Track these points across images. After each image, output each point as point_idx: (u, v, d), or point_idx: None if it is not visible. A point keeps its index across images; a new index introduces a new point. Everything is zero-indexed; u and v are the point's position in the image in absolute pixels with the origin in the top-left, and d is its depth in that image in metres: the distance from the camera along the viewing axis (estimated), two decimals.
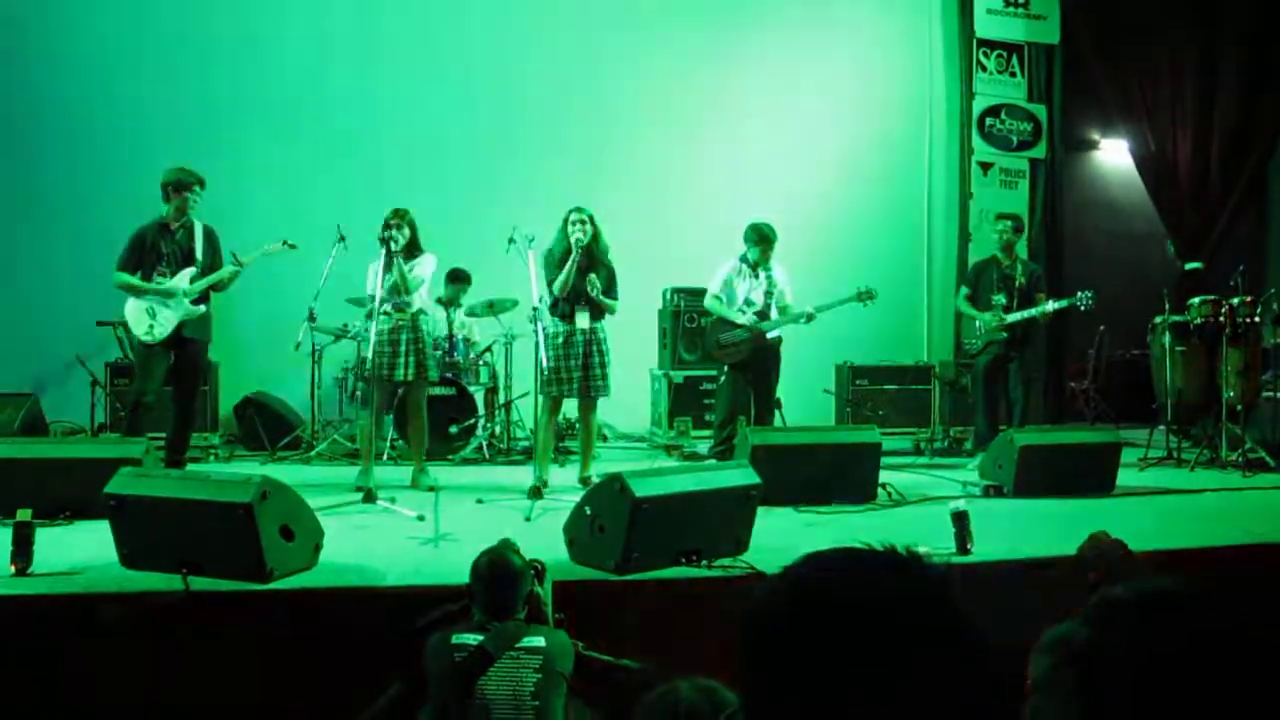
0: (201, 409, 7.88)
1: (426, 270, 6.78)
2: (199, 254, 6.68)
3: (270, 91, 9.28)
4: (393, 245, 6.42)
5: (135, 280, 6.56)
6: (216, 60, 9.21)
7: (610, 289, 6.72)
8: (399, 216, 6.59)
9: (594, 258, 6.64)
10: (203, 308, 6.70)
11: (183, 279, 6.61)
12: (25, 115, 9.01)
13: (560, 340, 6.62)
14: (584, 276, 6.59)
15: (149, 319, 6.52)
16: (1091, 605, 1.27)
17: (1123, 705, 1.17)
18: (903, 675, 1.09)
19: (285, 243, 6.92)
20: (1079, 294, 7.85)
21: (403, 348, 6.60)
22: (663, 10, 10.02)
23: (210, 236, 6.79)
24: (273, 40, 9.30)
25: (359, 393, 8.15)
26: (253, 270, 6.99)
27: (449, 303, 8.76)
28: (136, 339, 6.62)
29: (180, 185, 6.60)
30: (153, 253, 6.60)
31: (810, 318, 7.46)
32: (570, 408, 7.29)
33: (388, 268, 6.40)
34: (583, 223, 6.60)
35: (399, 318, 6.59)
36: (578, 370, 6.61)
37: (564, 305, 6.65)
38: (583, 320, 6.62)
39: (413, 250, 6.65)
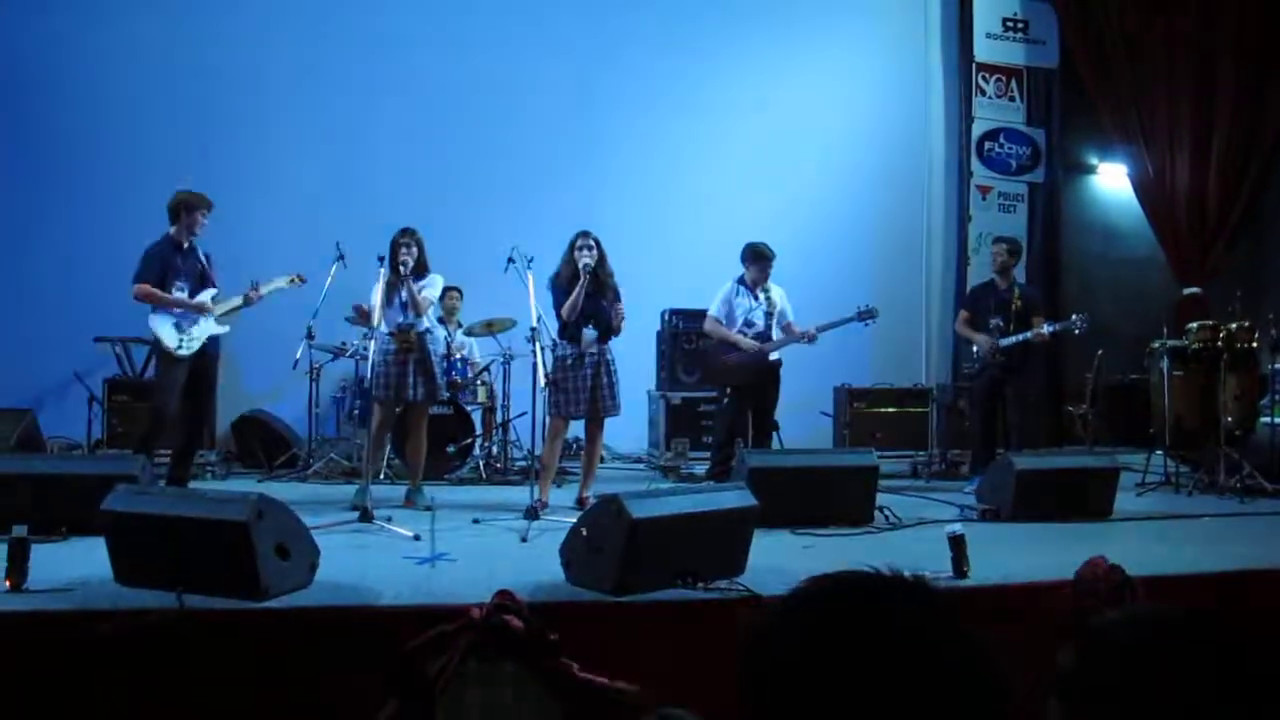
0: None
1: (436, 292, 6.83)
2: (214, 276, 6.76)
3: (268, 109, 9.32)
4: (403, 267, 6.48)
5: (159, 291, 6.55)
6: (214, 79, 9.24)
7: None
8: (409, 236, 6.65)
9: (600, 281, 6.66)
10: (226, 327, 6.79)
11: (205, 298, 6.67)
12: (25, 133, 9.04)
13: (570, 362, 6.63)
14: (591, 300, 6.61)
15: (178, 333, 6.56)
16: (1085, 632, 1.27)
17: None
18: (913, 703, 1.07)
19: (298, 277, 7.05)
20: (1073, 317, 7.87)
21: (411, 368, 6.61)
22: (662, 35, 10.08)
23: (209, 260, 6.83)
24: (272, 59, 9.34)
25: (357, 411, 8.16)
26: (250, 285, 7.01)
27: (447, 318, 8.78)
28: (166, 351, 6.59)
29: (191, 206, 6.63)
30: (170, 269, 6.61)
31: (812, 338, 7.48)
32: (575, 428, 7.28)
33: (395, 287, 6.48)
34: (590, 247, 6.62)
35: (405, 338, 6.60)
36: (586, 392, 6.61)
37: (572, 328, 6.65)
38: (591, 342, 6.63)
39: (420, 270, 6.70)
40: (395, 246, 6.63)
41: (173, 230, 6.68)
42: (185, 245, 6.68)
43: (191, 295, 6.64)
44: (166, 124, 9.10)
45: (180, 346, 6.55)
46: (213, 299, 6.70)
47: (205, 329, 6.65)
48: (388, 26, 9.65)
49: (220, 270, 6.87)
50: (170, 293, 6.59)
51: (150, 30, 9.19)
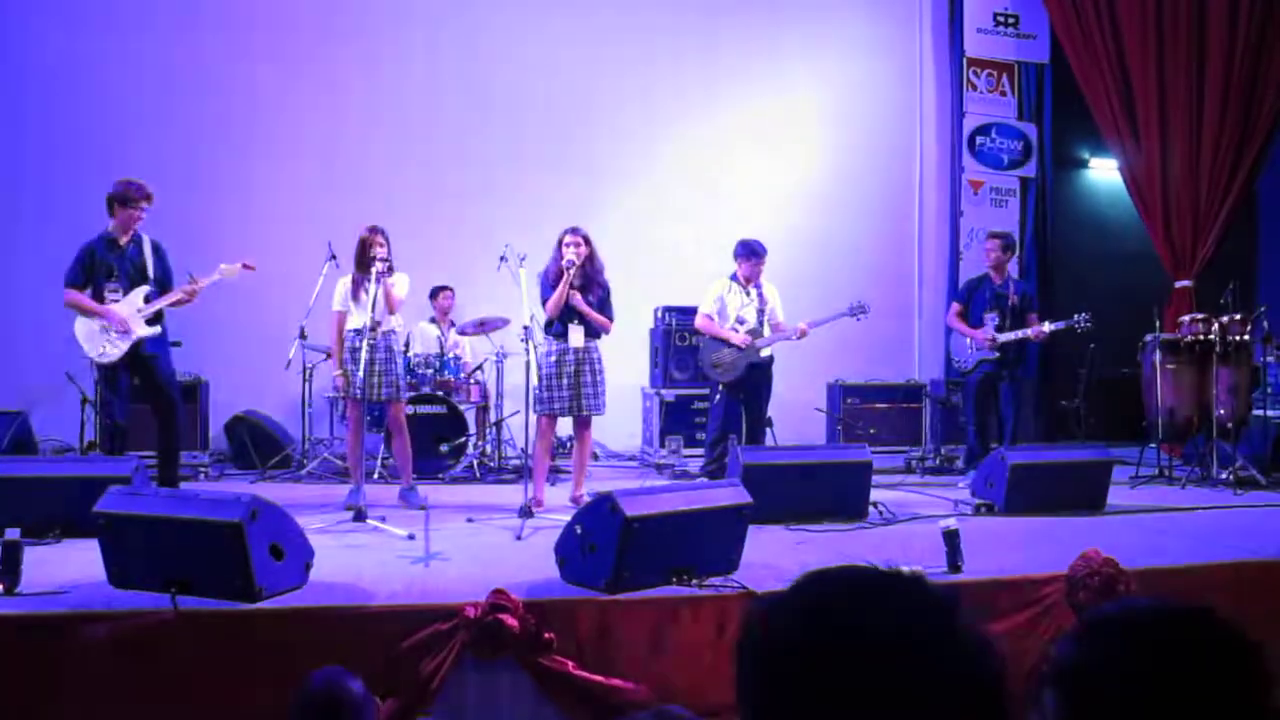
0: (191, 427, 7.84)
1: (404, 290, 6.73)
2: (151, 270, 6.45)
3: (258, 108, 9.29)
4: (378, 266, 6.36)
5: (87, 300, 6.31)
6: (207, 77, 9.21)
7: (605, 307, 6.71)
8: (382, 235, 6.54)
9: (588, 276, 6.64)
10: (157, 328, 6.46)
11: (136, 297, 6.38)
12: (16, 129, 9.01)
13: (554, 359, 6.60)
14: (578, 295, 6.59)
15: (103, 339, 6.29)
16: (1079, 624, 1.27)
17: None
18: (911, 699, 1.06)
19: (244, 264, 6.66)
20: (1075, 316, 7.87)
21: (377, 367, 6.54)
22: (658, 31, 10.06)
23: (159, 251, 6.55)
24: (263, 57, 9.31)
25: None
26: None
27: (442, 317, 8.77)
28: (91, 361, 6.39)
29: (126, 200, 6.34)
30: (102, 269, 6.36)
31: (803, 334, 7.48)
32: (565, 426, 7.26)
33: (360, 284, 6.42)
34: (576, 244, 6.58)
35: (371, 338, 6.47)
36: (570, 388, 6.59)
37: (558, 324, 6.64)
38: (576, 338, 6.59)
39: (389, 269, 6.56)
40: (369, 245, 6.50)
41: (110, 225, 6.41)
42: (122, 241, 6.41)
43: (126, 294, 6.36)
44: (156, 124, 9.05)
45: (101, 355, 6.30)
46: (145, 297, 6.39)
47: (133, 333, 6.34)
48: (379, 24, 9.62)
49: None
50: (103, 294, 6.33)
51: (142, 31, 9.15)
